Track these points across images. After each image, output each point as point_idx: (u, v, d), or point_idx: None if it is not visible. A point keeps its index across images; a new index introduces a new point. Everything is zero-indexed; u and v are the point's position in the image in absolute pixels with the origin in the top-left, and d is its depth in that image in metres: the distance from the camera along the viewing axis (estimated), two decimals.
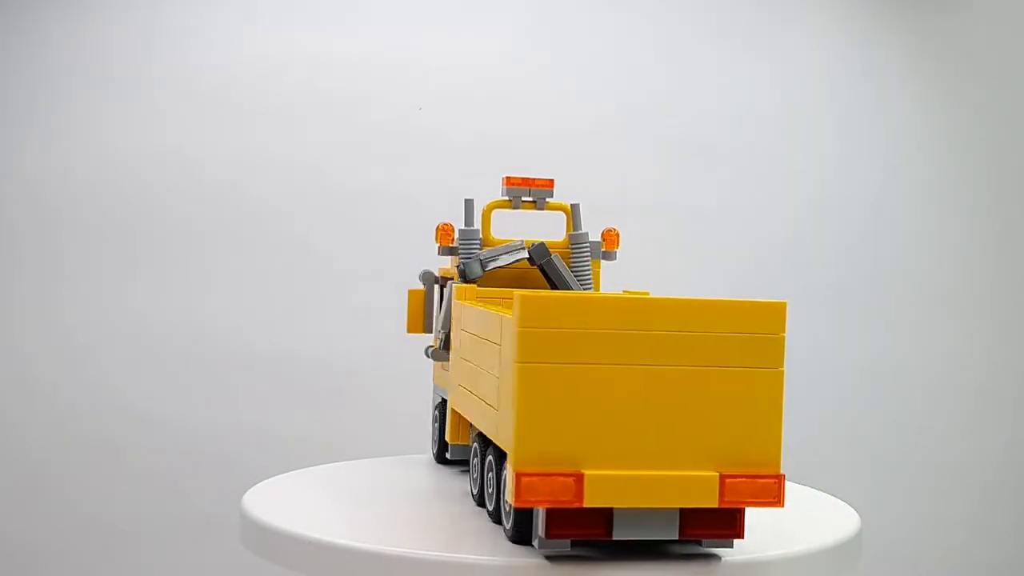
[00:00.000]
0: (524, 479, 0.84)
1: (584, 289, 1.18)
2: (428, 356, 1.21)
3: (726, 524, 0.90)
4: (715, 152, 2.34)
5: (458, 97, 2.26)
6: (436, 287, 1.31)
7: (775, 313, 0.89)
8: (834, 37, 2.42)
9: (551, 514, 0.88)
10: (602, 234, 1.25)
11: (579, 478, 0.85)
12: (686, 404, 0.87)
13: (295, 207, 2.22)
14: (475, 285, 1.18)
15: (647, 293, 1.20)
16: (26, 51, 2.19)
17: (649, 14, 2.34)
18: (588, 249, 1.21)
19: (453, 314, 1.13)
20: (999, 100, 2.46)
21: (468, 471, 1.19)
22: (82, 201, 2.18)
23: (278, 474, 1.24)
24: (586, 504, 0.85)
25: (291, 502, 1.11)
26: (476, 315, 1.02)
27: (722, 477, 0.86)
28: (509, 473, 0.86)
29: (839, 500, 1.19)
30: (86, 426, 2.15)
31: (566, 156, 2.24)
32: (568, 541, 0.89)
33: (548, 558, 0.90)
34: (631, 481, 0.85)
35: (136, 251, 2.19)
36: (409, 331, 1.32)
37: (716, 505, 0.86)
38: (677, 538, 0.89)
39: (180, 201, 2.20)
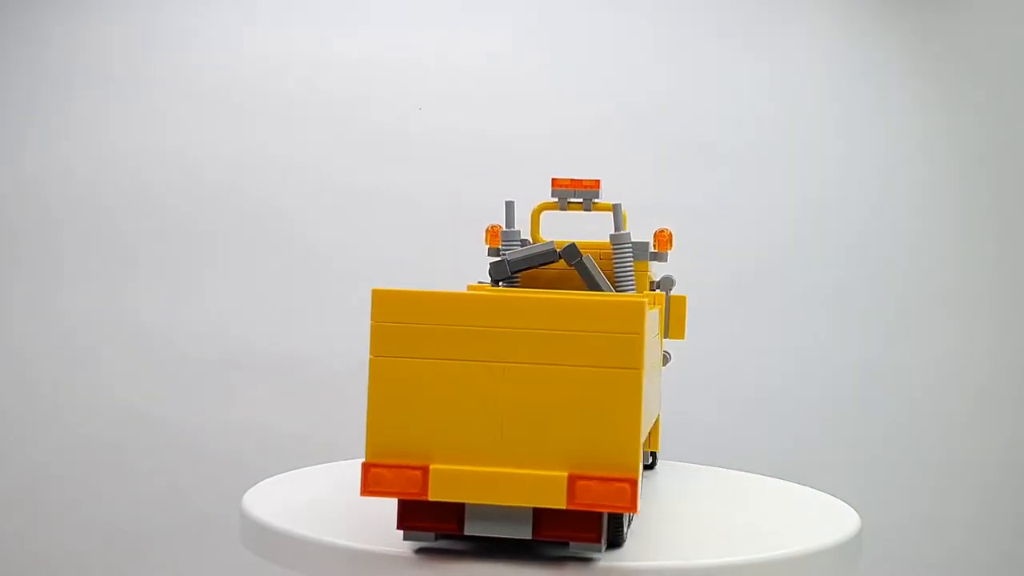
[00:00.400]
0: (372, 470, 0.86)
1: (622, 290, 1.17)
2: None
3: (584, 527, 0.87)
4: (715, 152, 2.34)
5: (458, 97, 2.26)
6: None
7: (633, 312, 0.86)
8: (834, 37, 2.42)
9: (404, 506, 0.89)
10: (654, 235, 1.24)
11: (425, 471, 0.85)
12: (537, 403, 0.86)
13: (295, 207, 2.22)
14: (506, 285, 1.20)
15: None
16: (26, 51, 2.19)
17: (649, 14, 2.34)
18: (630, 249, 1.20)
19: None
20: (999, 100, 2.46)
21: None
22: (82, 201, 2.18)
23: (278, 474, 1.24)
24: (431, 497, 0.85)
25: (291, 502, 1.11)
26: None
27: (572, 478, 0.84)
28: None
29: (839, 500, 1.19)
30: (86, 426, 2.15)
31: (566, 156, 2.24)
32: (432, 534, 0.89)
33: (416, 551, 0.90)
34: (477, 477, 0.85)
35: (136, 251, 2.19)
36: None
37: (564, 507, 0.84)
38: (531, 537, 0.88)
39: (180, 201, 2.20)
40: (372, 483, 0.86)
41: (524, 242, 1.23)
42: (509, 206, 1.25)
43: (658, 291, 1.30)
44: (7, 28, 2.18)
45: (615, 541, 0.92)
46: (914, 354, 2.41)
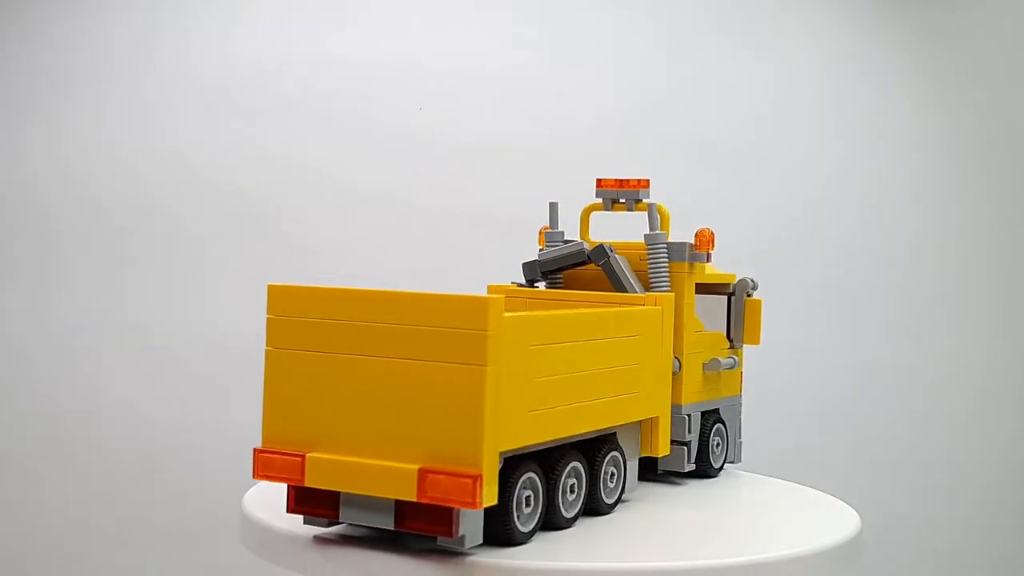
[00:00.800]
0: (261, 455, 0.93)
1: (656, 291, 1.17)
2: None
3: (439, 520, 0.89)
4: (715, 151, 2.34)
5: (458, 97, 2.27)
6: None
7: (479, 309, 0.87)
8: (834, 37, 2.42)
9: (291, 491, 0.94)
10: (695, 235, 1.23)
11: (303, 459, 0.91)
12: (395, 396, 0.89)
13: (295, 207, 2.22)
14: (548, 286, 1.22)
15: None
16: (26, 51, 2.19)
17: (649, 13, 2.34)
18: (664, 249, 1.19)
19: None
20: (998, 100, 2.47)
21: None
22: (80, 201, 2.18)
23: None
24: (307, 484, 0.91)
25: None
26: None
27: (422, 472, 0.87)
28: None
29: (839, 500, 1.19)
30: (85, 426, 2.15)
31: (566, 156, 2.25)
32: (324, 520, 0.95)
33: (315, 538, 0.95)
34: (346, 467, 0.89)
35: (135, 251, 2.19)
36: None
37: (415, 499, 0.87)
38: (393, 528, 0.90)
39: (179, 201, 2.20)
40: (261, 467, 0.93)
41: (567, 243, 1.23)
42: (553, 207, 1.27)
43: (733, 295, 1.29)
44: (7, 28, 2.18)
45: (508, 539, 0.94)
46: (914, 354, 2.41)
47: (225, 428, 2.17)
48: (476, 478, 0.86)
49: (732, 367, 1.27)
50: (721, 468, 1.29)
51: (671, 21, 2.35)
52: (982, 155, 2.46)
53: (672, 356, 1.14)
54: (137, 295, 2.18)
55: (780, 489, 1.25)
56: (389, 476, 0.88)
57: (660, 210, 1.23)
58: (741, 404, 1.35)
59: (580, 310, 1.04)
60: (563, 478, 0.99)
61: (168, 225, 2.20)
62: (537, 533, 0.97)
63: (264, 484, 1.19)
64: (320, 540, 0.95)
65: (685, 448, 1.20)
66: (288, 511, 0.94)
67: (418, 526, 0.90)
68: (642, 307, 1.11)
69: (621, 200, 1.25)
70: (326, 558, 0.94)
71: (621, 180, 1.27)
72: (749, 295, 1.31)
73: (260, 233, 2.21)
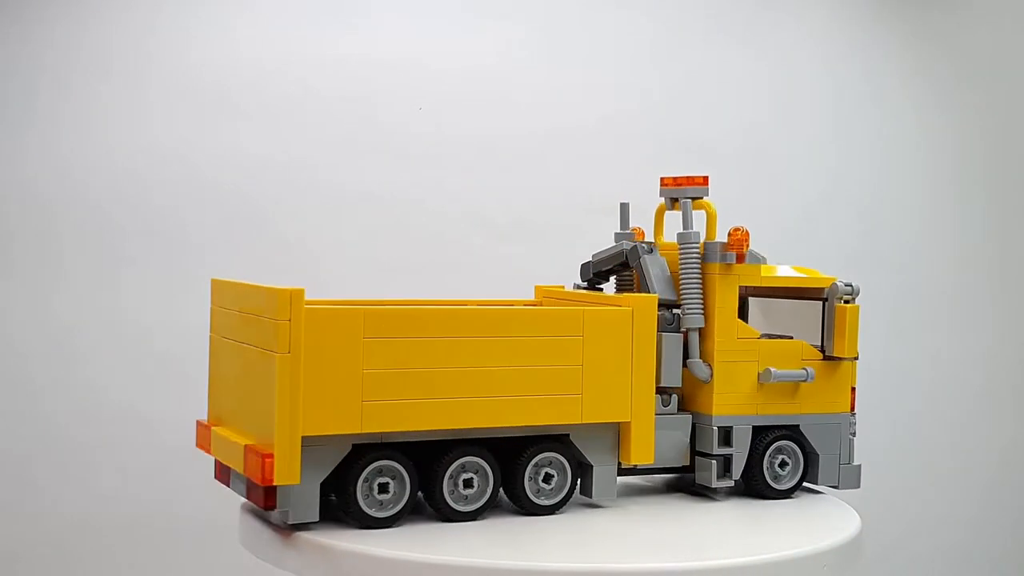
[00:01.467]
0: (200, 428, 1.10)
1: (685, 290, 1.15)
2: None
3: (268, 495, 0.97)
4: (714, 152, 2.34)
5: (458, 97, 2.27)
6: None
7: (281, 300, 0.94)
8: (833, 37, 2.42)
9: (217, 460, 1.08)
10: (728, 233, 1.19)
11: (209, 430, 1.07)
12: (245, 379, 1.00)
13: (294, 207, 2.22)
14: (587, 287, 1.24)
15: (561, 287, 1.26)
16: (26, 51, 2.19)
17: (649, 13, 2.34)
18: (695, 249, 1.16)
19: None
20: (999, 100, 2.47)
21: None
22: (80, 201, 2.18)
23: None
24: (211, 453, 1.08)
25: None
26: None
27: (248, 448, 0.96)
28: None
29: (839, 500, 1.19)
30: (84, 426, 2.15)
31: (566, 156, 2.24)
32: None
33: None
34: (219, 440, 1.03)
35: (135, 251, 2.19)
36: None
37: (242, 471, 0.97)
38: (246, 498, 1.01)
39: (179, 201, 2.20)
40: (199, 439, 1.09)
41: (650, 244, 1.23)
42: (624, 208, 1.28)
43: (827, 300, 1.24)
44: (7, 28, 2.18)
45: (362, 521, 1.00)
46: (914, 354, 2.41)
47: None
48: (268, 457, 0.93)
49: (799, 379, 1.16)
50: (792, 490, 1.18)
51: (671, 21, 2.35)
52: (982, 155, 2.46)
53: (654, 360, 1.08)
54: (137, 295, 2.18)
55: None
56: (232, 450, 0.99)
57: (707, 209, 1.21)
58: (851, 423, 1.20)
59: (439, 307, 1.05)
60: (447, 471, 1.02)
61: (168, 225, 2.20)
62: (404, 519, 1.01)
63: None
64: (319, 540, 0.95)
65: (714, 462, 1.13)
66: (215, 477, 1.08)
67: (252, 498, 0.99)
68: (589, 309, 1.08)
69: (678, 198, 1.25)
70: (325, 558, 0.94)
71: (679, 178, 1.28)
72: (846, 301, 1.23)
73: (260, 233, 2.21)
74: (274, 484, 0.93)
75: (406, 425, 0.99)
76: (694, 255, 1.16)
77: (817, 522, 1.09)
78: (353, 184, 2.23)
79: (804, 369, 1.17)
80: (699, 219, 1.24)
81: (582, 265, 1.23)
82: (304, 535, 0.96)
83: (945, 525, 2.40)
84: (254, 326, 0.97)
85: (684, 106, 2.34)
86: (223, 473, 1.06)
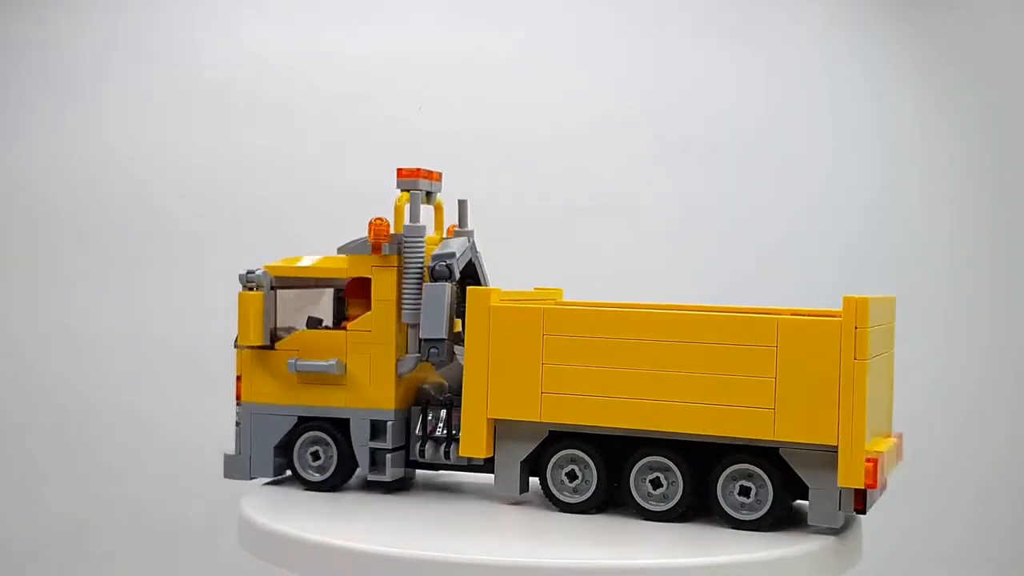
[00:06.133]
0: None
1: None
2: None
3: None
4: (714, 152, 2.34)
5: (458, 97, 2.26)
6: None
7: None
8: (834, 37, 2.42)
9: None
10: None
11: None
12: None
13: (295, 207, 2.22)
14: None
15: (560, 292, 1.29)
16: (26, 50, 2.19)
17: (649, 13, 2.34)
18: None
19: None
20: (999, 100, 2.46)
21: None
22: (81, 200, 2.18)
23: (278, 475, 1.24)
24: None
25: (291, 502, 1.11)
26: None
27: None
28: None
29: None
30: (85, 426, 2.15)
31: (565, 155, 2.24)
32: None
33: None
34: None
35: (136, 251, 2.19)
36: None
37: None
38: None
39: (180, 200, 2.20)
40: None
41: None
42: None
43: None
44: (7, 28, 2.18)
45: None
46: (914, 355, 2.40)
47: (226, 428, 2.17)
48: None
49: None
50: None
51: (671, 21, 2.35)
52: (982, 155, 2.45)
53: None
54: (137, 295, 2.18)
55: None
56: None
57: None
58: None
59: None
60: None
61: (169, 224, 2.20)
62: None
63: (263, 484, 1.19)
64: (319, 540, 0.95)
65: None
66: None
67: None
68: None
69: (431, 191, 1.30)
70: (326, 558, 0.94)
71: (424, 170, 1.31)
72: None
73: (260, 233, 2.21)
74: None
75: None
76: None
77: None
78: (353, 183, 2.23)
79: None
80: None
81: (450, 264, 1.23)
82: (304, 535, 0.96)
83: (945, 525, 2.40)
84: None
85: (684, 106, 2.34)
86: None
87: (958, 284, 2.43)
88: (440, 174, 1.28)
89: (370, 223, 1.23)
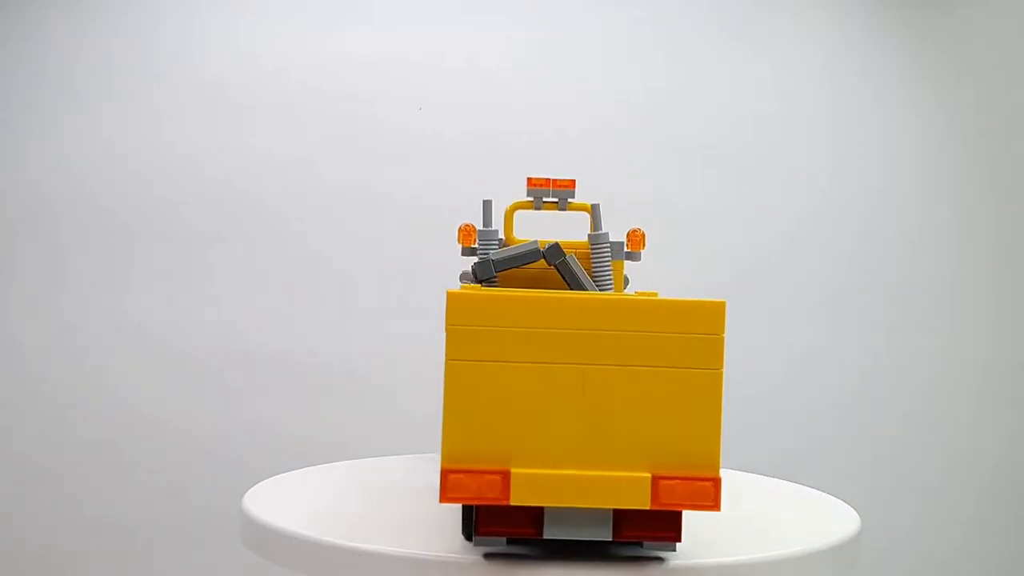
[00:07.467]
0: (451, 476, 0.85)
1: (602, 289, 1.17)
2: None
3: (663, 526, 0.88)
4: (714, 152, 2.34)
5: (458, 97, 2.26)
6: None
7: (714, 313, 0.86)
8: (834, 37, 2.42)
9: (481, 511, 0.88)
10: (627, 234, 1.25)
11: (506, 475, 0.85)
12: (619, 404, 0.86)
13: (295, 207, 2.22)
14: (488, 285, 1.19)
15: (655, 294, 1.21)
16: (26, 51, 2.18)
17: (649, 13, 2.34)
18: (608, 249, 1.19)
19: None
20: (999, 100, 2.46)
21: None
22: (81, 201, 2.18)
23: (278, 474, 1.24)
24: (512, 502, 0.85)
25: (291, 502, 1.11)
26: None
27: (655, 479, 0.85)
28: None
29: (839, 500, 1.19)
30: (86, 426, 2.15)
31: (566, 156, 2.24)
32: (503, 538, 0.89)
33: (486, 556, 0.90)
34: (559, 480, 0.85)
35: (136, 251, 2.19)
36: None
37: (649, 507, 0.85)
38: (611, 539, 0.88)
39: (180, 201, 2.20)
40: (451, 489, 0.85)
41: (500, 241, 1.23)
42: (486, 205, 1.26)
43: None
44: (7, 28, 2.18)
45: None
46: (914, 354, 2.41)
47: (226, 428, 2.17)
48: (716, 481, 0.85)
49: None
50: None
51: (671, 22, 2.35)
52: (982, 155, 2.45)
53: None
54: (139, 294, 2.18)
55: (780, 489, 1.25)
56: (615, 486, 0.85)
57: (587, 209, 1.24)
58: None
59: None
60: None
61: (169, 224, 2.20)
62: None
63: (264, 484, 1.19)
64: (320, 540, 0.95)
65: None
66: (478, 533, 0.88)
67: (641, 534, 0.88)
68: None
69: (551, 199, 1.24)
70: (326, 558, 0.94)
71: (551, 179, 1.27)
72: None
73: (260, 232, 2.21)
74: (717, 510, 0.86)
75: None
76: (606, 253, 1.20)
77: (817, 522, 1.09)
78: (354, 183, 2.23)
79: None
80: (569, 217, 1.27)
81: (481, 263, 1.21)
82: (305, 535, 0.96)
83: (945, 525, 2.40)
84: (663, 344, 0.87)
85: (684, 107, 2.34)
86: (499, 523, 0.88)
87: (959, 283, 2.43)
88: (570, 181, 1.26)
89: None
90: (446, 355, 0.87)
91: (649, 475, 0.85)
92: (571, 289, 1.16)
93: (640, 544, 0.89)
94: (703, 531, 1.04)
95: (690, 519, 1.08)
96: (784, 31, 2.39)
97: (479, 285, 1.19)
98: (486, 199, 1.26)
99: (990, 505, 2.42)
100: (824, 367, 2.36)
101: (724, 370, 0.86)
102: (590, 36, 2.31)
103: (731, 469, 1.33)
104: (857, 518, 1.11)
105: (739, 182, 2.35)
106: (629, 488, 0.85)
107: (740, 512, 1.13)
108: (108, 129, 2.19)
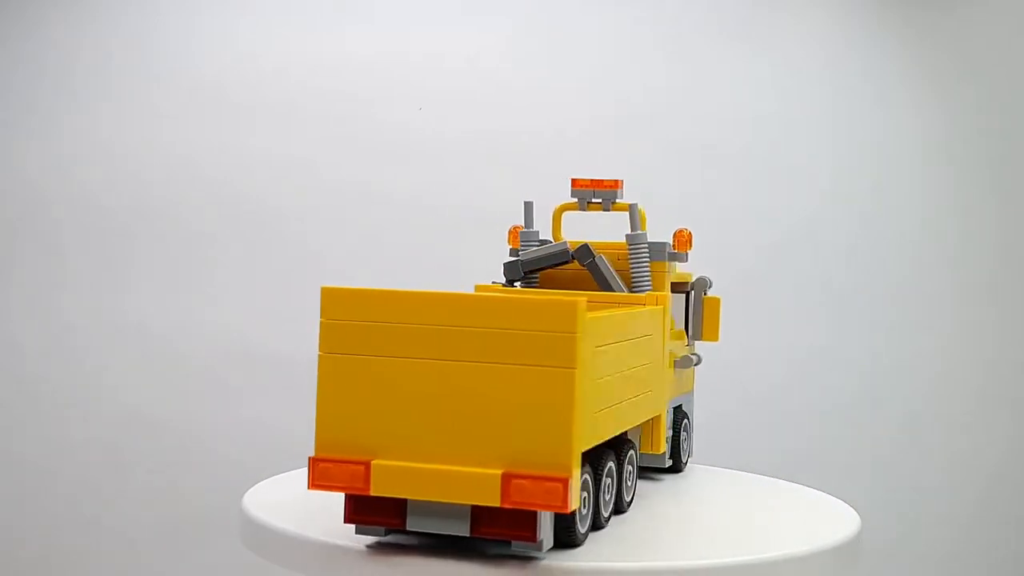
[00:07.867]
0: (320, 464, 0.88)
1: (638, 290, 1.17)
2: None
3: (520, 525, 0.88)
4: (714, 152, 2.34)
5: (458, 97, 2.27)
6: None
7: (567, 311, 0.85)
8: (834, 37, 2.42)
9: (349, 500, 0.90)
10: (673, 235, 1.24)
11: (367, 466, 0.87)
12: (476, 401, 0.86)
13: (295, 207, 2.22)
14: (523, 285, 1.20)
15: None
16: (26, 50, 2.19)
17: (649, 13, 2.34)
18: (646, 250, 1.19)
19: None
20: (999, 100, 2.46)
21: None
22: (81, 201, 2.18)
23: (278, 474, 1.24)
24: (372, 492, 0.86)
25: (291, 502, 1.11)
26: None
27: (506, 476, 0.84)
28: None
29: (839, 500, 1.19)
30: (86, 426, 2.16)
31: (566, 156, 2.25)
32: (381, 528, 0.91)
33: (368, 548, 0.92)
34: (417, 473, 0.86)
35: (136, 251, 2.19)
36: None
37: (498, 504, 0.84)
38: (468, 535, 0.88)
39: (180, 201, 2.20)
40: (319, 477, 0.88)
41: (543, 242, 1.23)
42: (528, 206, 1.26)
43: (691, 292, 1.31)
44: (7, 28, 2.18)
45: (570, 541, 0.92)
46: (914, 355, 2.41)
47: (226, 428, 2.18)
48: (564, 481, 0.84)
49: (697, 363, 1.29)
50: (686, 463, 1.31)
51: (671, 22, 2.35)
52: (982, 155, 2.45)
53: (666, 354, 1.15)
54: (139, 294, 2.19)
55: (780, 489, 1.25)
56: (467, 482, 0.85)
57: (639, 211, 1.23)
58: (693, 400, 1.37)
59: (628, 310, 1.03)
60: (604, 478, 0.99)
61: (169, 224, 2.20)
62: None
63: (264, 484, 1.19)
64: (320, 540, 0.95)
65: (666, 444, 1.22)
66: (346, 521, 0.91)
67: (497, 531, 0.88)
68: (653, 307, 1.10)
69: (596, 200, 1.24)
70: (326, 558, 0.94)
71: (596, 180, 1.27)
72: (706, 293, 1.35)
73: (260, 233, 2.21)
74: (568, 510, 0.84)
75: (609, 432, 0.96)
76: (645, 255, 1.20)
77: (817, 522, 1.09)
78: (354, 183, 2.23)
79: (696, 354, 1.28)
80: (610, 218, 1.26)
81: (508, 263, 1.21)
82: (305, 534, 0.96)
83: (945, 525, 2.40)
84: (517, 341, 0.86)
85: (684, 107, 2.34)
86: (365, 513, 0.91)
87: (959, 283, 2.43)
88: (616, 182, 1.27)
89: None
90: (319, 348, 0.91)
91: (500, 472, 0.84)
92: (600, 290, 1.16)
93: (508, 543, 0.89)
94: (703, 531, 1.04)
95: (690, 519, 1.08)
96: (784, 31, 2.39)
97: (509, 285, 1.20)
98: (528, 200, 1.27)
99: (990, 505, 2.42)
100: (824, 367, 2.36)
101: (578, 370, 0.85)
102: (590, 36, 2.31)
103: (731, 469, 1.33)
104: (857, 518, 1.11)
105: (739, 182, 2.35)
106: (480, 484, 0.85)
107: (740, 512, 1.13)
108: (108, 129, 2.19)
